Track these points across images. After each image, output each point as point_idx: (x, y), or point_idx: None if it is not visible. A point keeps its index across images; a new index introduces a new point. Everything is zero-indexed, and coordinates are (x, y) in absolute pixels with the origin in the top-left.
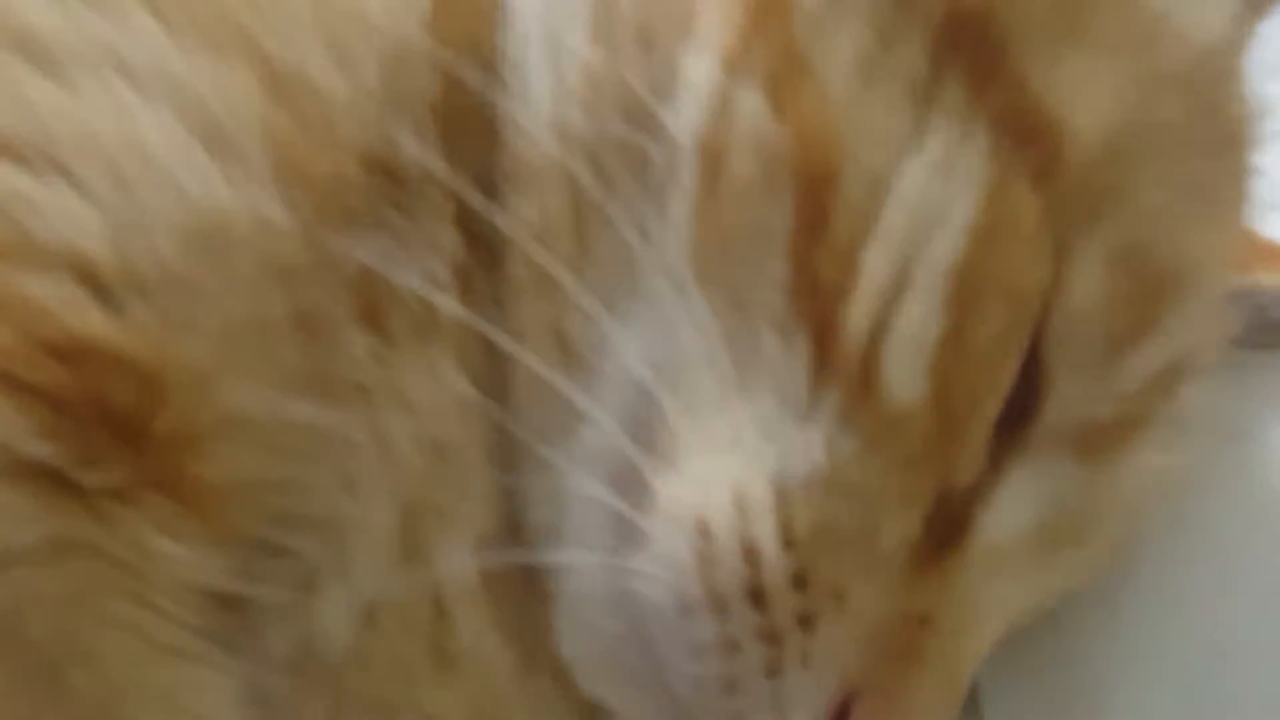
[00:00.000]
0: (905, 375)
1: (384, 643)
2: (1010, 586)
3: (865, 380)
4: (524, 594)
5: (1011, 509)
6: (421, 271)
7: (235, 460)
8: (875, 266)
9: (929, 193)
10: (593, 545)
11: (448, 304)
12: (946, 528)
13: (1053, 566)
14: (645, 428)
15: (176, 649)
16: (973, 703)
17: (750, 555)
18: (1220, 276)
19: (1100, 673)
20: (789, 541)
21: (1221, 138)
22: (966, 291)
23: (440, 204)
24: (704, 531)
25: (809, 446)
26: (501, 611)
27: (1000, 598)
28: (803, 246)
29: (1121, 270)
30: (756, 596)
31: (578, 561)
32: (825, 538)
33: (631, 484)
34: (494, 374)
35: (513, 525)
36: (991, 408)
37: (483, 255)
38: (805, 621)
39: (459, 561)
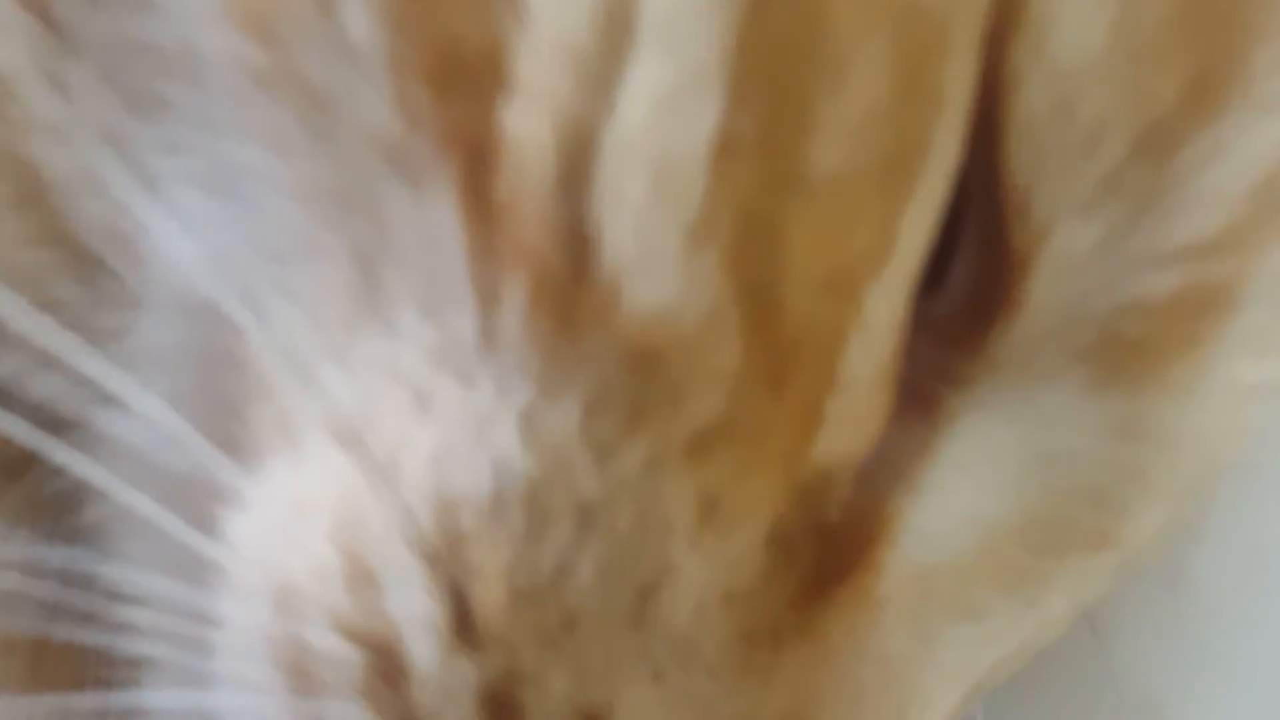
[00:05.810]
0: (655, 231)
1: None
2: (954, 639)
3: (573, 253)
4: None
5: (960, 495)
6: None
7: None
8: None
9: None
10: (157, 620)
11: None
12: (831, 548)
13: (1038, 594)
14: (217, 395)
15: None
16: None
17: (386, 666)
18: None
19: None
20: (465, 634)
21: None
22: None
23: None
24: (290, 613)
25: (486, 425)
26: None
27: (936, 667)
28: None
29: None
30: None
31: (139, 647)
32: (532, 619)
33: (205, 495)
34: None
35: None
36: (895, 278)
37: None
38: None
39: None
